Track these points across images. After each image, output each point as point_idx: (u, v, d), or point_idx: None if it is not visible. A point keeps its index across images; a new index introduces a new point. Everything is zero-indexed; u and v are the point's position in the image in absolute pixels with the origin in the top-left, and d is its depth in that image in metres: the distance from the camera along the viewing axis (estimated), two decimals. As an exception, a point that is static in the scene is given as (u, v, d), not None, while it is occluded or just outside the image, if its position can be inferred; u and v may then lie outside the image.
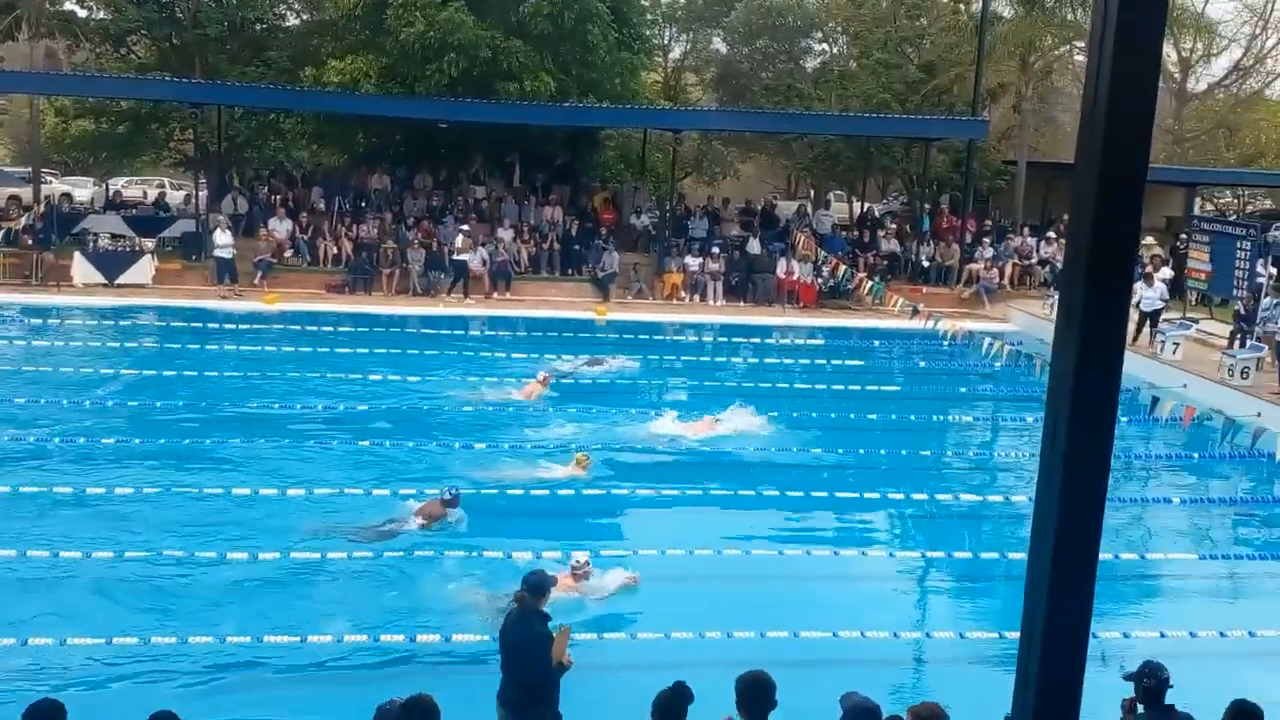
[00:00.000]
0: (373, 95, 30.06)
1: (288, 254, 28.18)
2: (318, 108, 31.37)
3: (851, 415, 19.04)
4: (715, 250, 28.97)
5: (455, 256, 27.51)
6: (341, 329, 23.45)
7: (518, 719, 7.46)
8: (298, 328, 23.34)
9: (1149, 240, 31.98)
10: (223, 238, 26.61)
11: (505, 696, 7.49)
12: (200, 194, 30.78)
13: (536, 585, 7.75)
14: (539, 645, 7.45)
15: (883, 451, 16.80)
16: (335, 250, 28.12)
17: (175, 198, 37.43)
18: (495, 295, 27.39)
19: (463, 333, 24.18)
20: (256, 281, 26.70)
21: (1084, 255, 2.39)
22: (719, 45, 41.23)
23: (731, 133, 36.79)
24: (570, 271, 29.00)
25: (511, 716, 7.46)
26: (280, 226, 28.39)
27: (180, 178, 40.62)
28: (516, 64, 29.05)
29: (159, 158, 38.80)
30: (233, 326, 23.58)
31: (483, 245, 27.86)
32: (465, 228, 28.19)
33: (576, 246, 29.37)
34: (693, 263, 28.67)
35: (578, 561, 10.90)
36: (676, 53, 43.75)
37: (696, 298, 28.35)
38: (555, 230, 29.70)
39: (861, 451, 16.73)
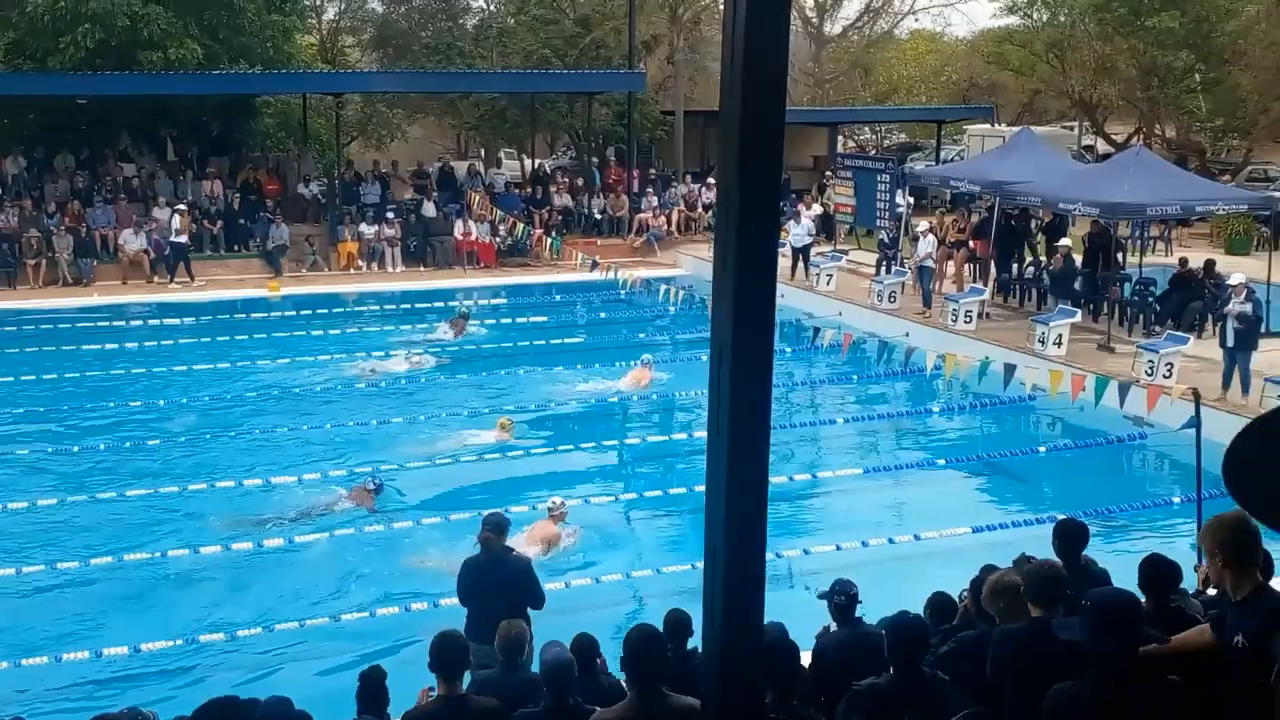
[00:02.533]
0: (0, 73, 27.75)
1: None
2: (-66, 89, 28.64)
3: (539, 370, 19.47)
4: (390, 216, 28.60)
5: (174, 239, 26.13)
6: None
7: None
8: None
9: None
10: None
11: (484, 633, 7.07)
12: None
13: (499, 524, 8.24)
14: (531, 573, 7.99)
15: (573, 404, 17.31)
16: (-30, 243, 25.88)
17: None
18: (161, 278, 26.06)
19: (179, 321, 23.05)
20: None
21: (734, 200, 2.55)
22: (375, 5, 40.45)
23: (396, 94, 36.24)
24: (237, 248, 27.89)
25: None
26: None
27: None
28: (158, 31, 27.49)
29: None
30: None
31: (142, 227, 26.40)
32: (181, 206, 26.76)
33: (242, 221, 28.26)
34: (367, 230, 28.20)
35: (554, 503, 11.66)
36: (331, 14, 42.55)
37: (375, 265, 27.95)
38: (216, 205, 28.47)
39: (554, 405, 17.16)
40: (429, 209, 29.52)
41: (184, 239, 26.26)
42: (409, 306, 24.55)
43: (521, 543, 10.67)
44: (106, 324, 22.58)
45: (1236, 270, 18.56)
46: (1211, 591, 5.90)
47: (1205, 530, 4.51)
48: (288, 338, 21.43)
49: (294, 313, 23.51)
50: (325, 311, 23.82)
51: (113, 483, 13.87)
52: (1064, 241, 21.64)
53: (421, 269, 28.15)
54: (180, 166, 30.49)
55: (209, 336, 21.62)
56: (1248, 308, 16.03)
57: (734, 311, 2.61)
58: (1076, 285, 21.54)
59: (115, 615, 10.65)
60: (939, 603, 6.91)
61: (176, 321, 22.89)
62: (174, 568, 11.52)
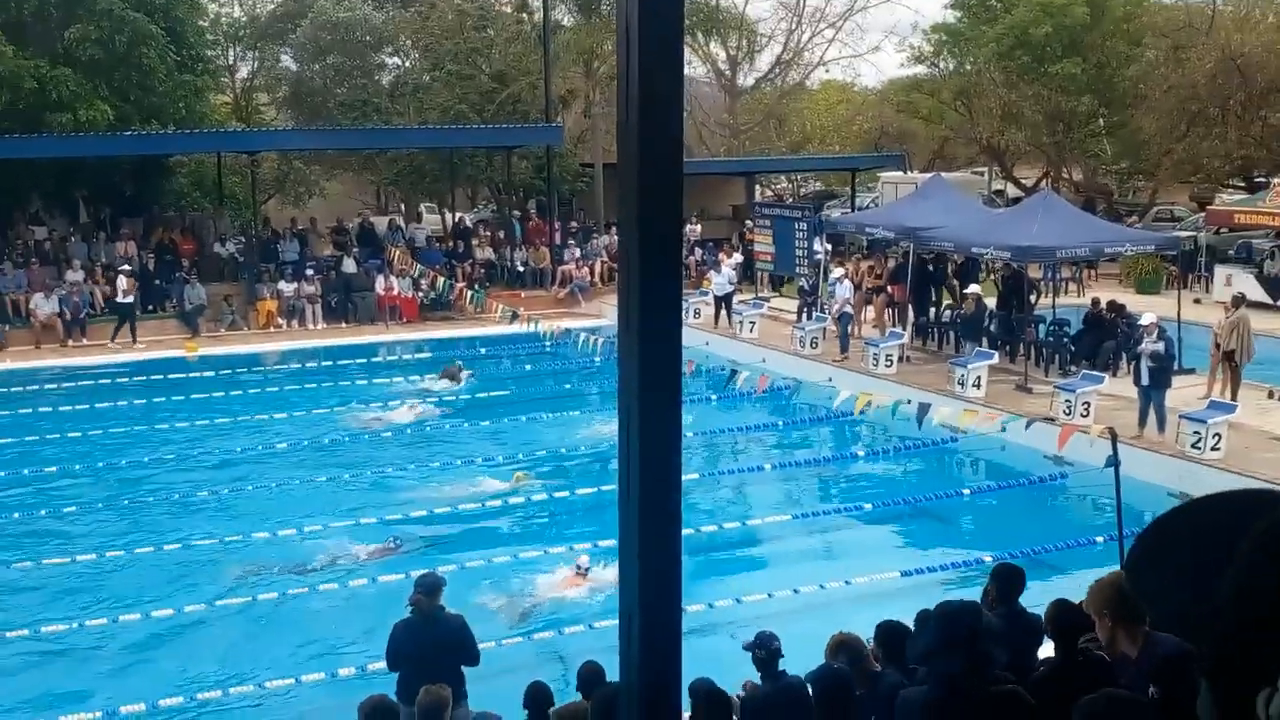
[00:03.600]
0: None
1: None
2: None
3: (465, 425, 19.38)
4: (309, 273, 28.35)
5: (120, 299, 25.74)
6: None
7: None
8: None
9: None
10: None
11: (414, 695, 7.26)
12: None
13: (432, 585, 8.24)
14: (466, 630, 8.07)
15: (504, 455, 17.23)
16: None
17: None
18: (75, 341, 25.55)
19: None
20: None
21: (634, 253, 2.57)
22: (289, 63, 40.19)
23: (312, 151, 36.06)
24: (153, 308, 27.42)
25: None
26: None
27: None
28: (67, 93, 27.13)
29: None
30: None
31: (54, 290, 25.89)
32: (126, 267, 26.29)
33: (157, 281, 27.82)
34: (287, 288, 27.93)
35: (581, 563, 12.26)
36: (244, 72, 42.26)
37: (295, 323, 27.65)
38: (131, 266, 28.00)
39: (480, 461, 17.06)
40: (349, 265, 29.32)
41: (130, 299, 25.86)
42: (331, 363, 24.27)
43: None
44: (20, 389, 22.04)
45: (1148, 310, 19.07)
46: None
47: (1089, 594, 4.62)
48: (206, 399, 21.07)
49: (212, 372, 23.15)
50: (244, 370, 23.51)
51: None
52: (973, 288, 22.10)
53: (343, 325, 27.91)
54: (93, 228, 29.99)
55: (132, 399, 21.19)
56: (1160, 346, 16.45)
57: (640, 371, 2.63)
58: (992, 327, 21.99)
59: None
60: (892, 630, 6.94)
61: (92, 384, 22.40)
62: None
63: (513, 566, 12.95)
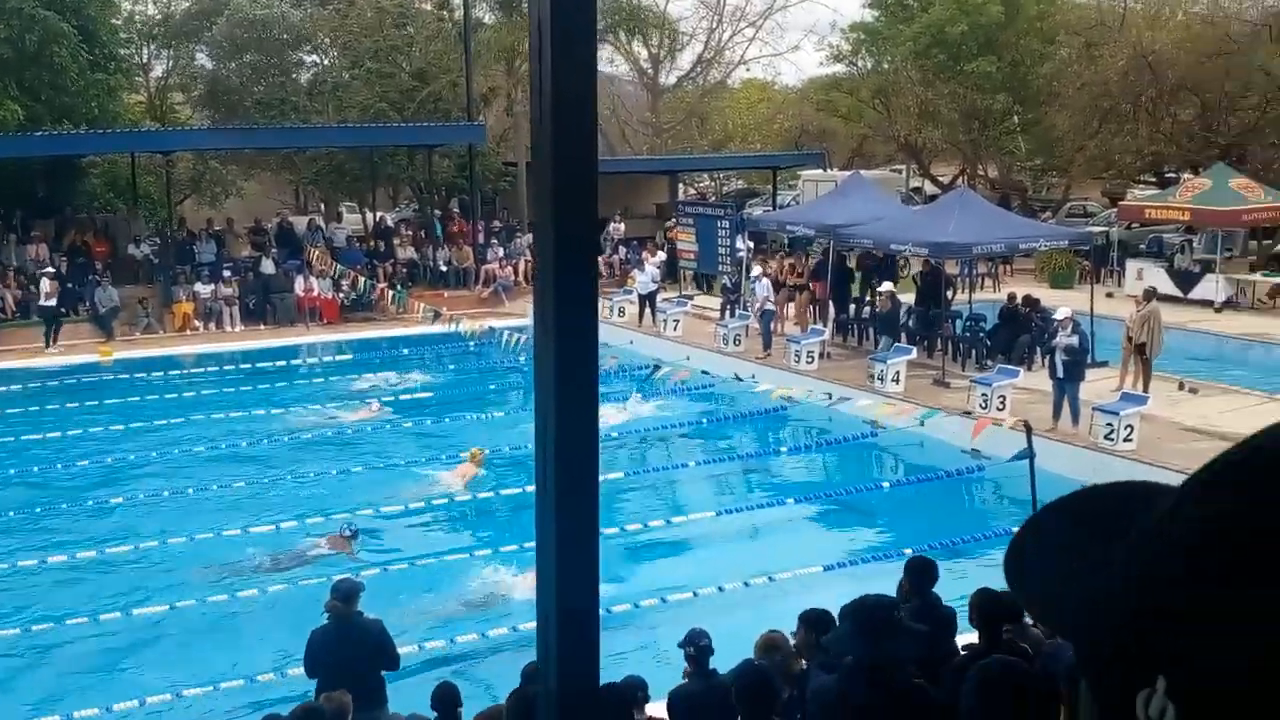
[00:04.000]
0: None
1: None
2: None
3: (388, 427, 19.24)
4: (226, 274, 27.92)
5: (43, 302, 25.23)
6: None
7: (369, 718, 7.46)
8: None
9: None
10: None
11: None
12: None
13: (349, 592, 8.17)
14: (385, 634, 8.04)
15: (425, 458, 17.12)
16: None
17: None
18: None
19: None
20: None
21: (549, 252, 2.58)
22: (205, 61, 39.51)
23: (229, 151, 35.51)
24: (66, 312, 26.81)
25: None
26: None
27: None
28: (-26, 93, 26.51)
29: None
30: None
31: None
32: (49, 270, 25.63)
33: (70, 284, 27.21)
34: (204, 289, 27.48)
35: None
36: (159, 71, 41.47)
37: (212, 325, 27.22)
38: (43, 269, 27.37)
39: (402, 463, 16.94)
40: (268, 266, 28.93)
41: (53, 303, 25.33)
42: (250, 366, 23.92)
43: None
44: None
45: (1062, 304, 19.46)
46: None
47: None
48: (121, 403, 20.67)
49: (127, 376, 22.71)
50: (161, 374, 23.12)
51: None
52: (886, 286, 22.41)
53: (262, 327, 27.51)
54: (3, 231, 29.26)
55: (44, 404, 20.74)
56: (1074, 340, 16.79)
57: (556, 368, 2.63)
58: (910, 323, 22.30)
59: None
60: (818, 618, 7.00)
61: (3, 389, 21.85)
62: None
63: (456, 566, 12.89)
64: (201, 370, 24.13)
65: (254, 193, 38.23)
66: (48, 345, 25.15)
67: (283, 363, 24.16)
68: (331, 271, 28.19)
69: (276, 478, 16.40)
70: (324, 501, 15.17)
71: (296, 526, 14.18)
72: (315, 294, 28.10)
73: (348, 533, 13.53)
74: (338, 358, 25.21)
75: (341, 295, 28.29)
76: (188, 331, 26.86)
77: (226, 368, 24.04)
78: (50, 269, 26.21)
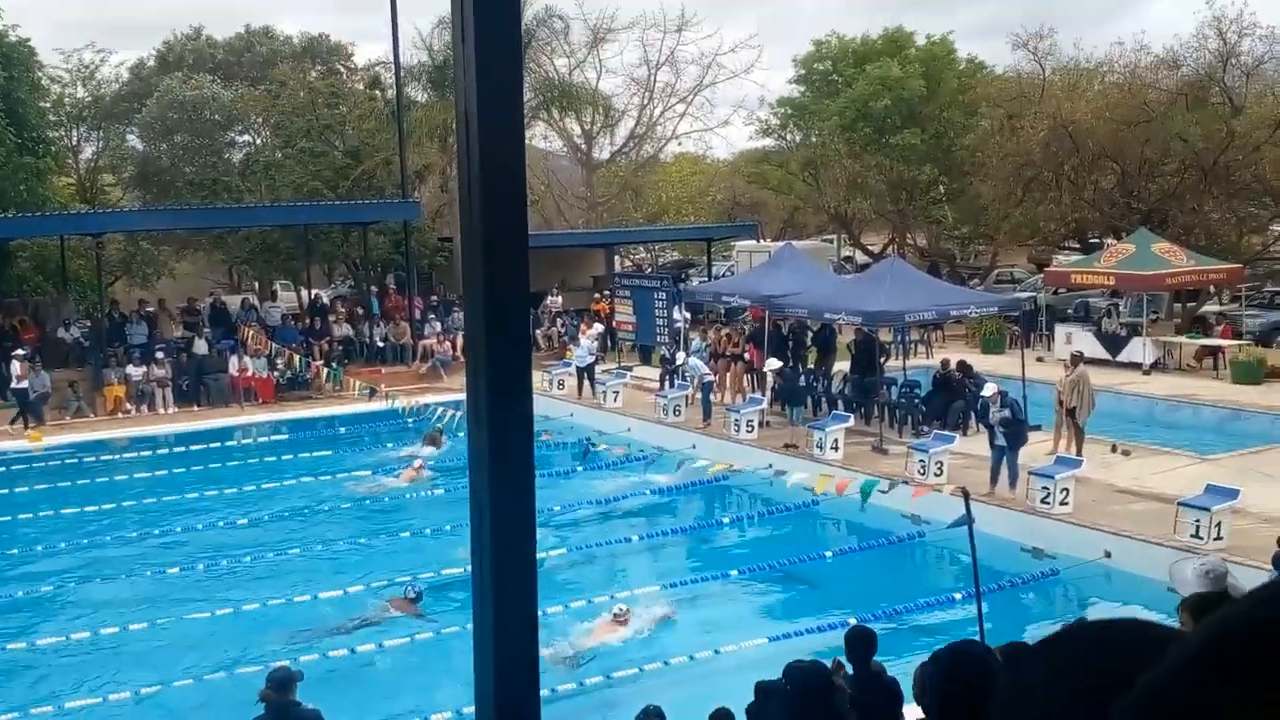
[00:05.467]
0: None
1: None
2: None
3: (325, 508, 19.00)
4: (159, 355, 27.57)
5: (15, 385, 24.78)
6: None
7: None
8: None
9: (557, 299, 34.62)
10: None
11: None
12: None
13: (283, 680, 8.11)
14: None
15: (362, 539, 16.91)
16: None
17: None
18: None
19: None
20: None
21: (481, 327, 2.59)
22: (135, 143, 39.30)
23: (161, 231, 35.22)
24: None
25: None
26: None
27: None
28: (-101, 177, 26.14)
29: None
30: None
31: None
32: (20, 351, 25.29)
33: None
34: (135, 371, 27.08)
35: (620, 609, 12.99)
36: (89, 153, 41.19)
37: (144, 408, 26.80)
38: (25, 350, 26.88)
39: (346, 542, 16.71)
40: (201, 346, 28.62)
41: (25, 385, 24.91)
42: (183, 449, 23.54)
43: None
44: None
45: (993, 369, 19.80)
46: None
47: None
48: (50, 489, 20.23)
49: (58, 461, 22.25)
50: (91, 458, 22.67)
51: None
52: (771, 363, 22.55)
53: (195, 408, 27.13)
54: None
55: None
56: (1006, 413, 17.05)
57: (490, 448, 2.64)
58: (846, 390, 22.54)
59: None
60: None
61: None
62: None
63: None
64: (134, 454, 23.71)
65: (187, 273, 37.94)
66: (27, 428, 24.67)
67: (216, 444, 23.77)
68: (266, 350, 27.95)
69: (333, 542, 16.87)
70: (385, 565, 15.47)
71: (363, 590, 14.45)
72: (250, 373, 27.81)
73: (412, 594, 13.86)
74: (273, 437, 24.88)
75: (277, 374, 28.02)
76: (119, 414, 26.42)
77: (159, 450, 23.60)
78: (21, 350, 25.85)
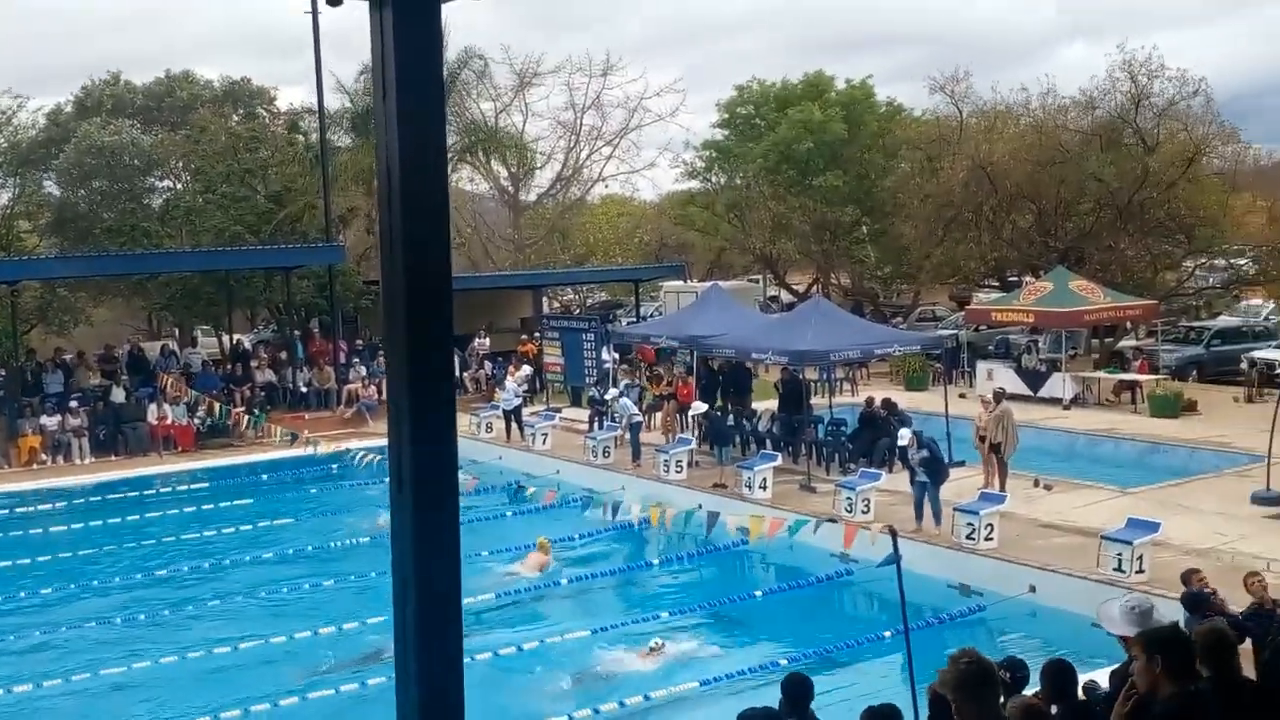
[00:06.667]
0: None
1: None
2: None
3: (247, 557, 18.61)
4: (74, 404, 26.93)
5: None
6: None
7: None
8: None
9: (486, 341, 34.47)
10: None
11: None
12: None
13: None
14: None
15: (302, 586, 16.60)
16: None
17: None
18: None
19: None
20: None
21: (403, 374, 2.53)
22: (52, 189, 38.55)
23: (78, 278, 34.53)
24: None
25: None
26: None
27: None
28: None
29: None
30: None
31: None
32: None
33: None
34: (50, 421, 26.42)
35: (656, 643, 13.39)
36: (4, 199, 40.30)
37: (60, 458, 26.14)
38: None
39: (267, 592, 16.36)
40: (118, 394, 28.02)
41: None
42: (100, 499, 22.96)
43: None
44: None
45: (918, 406, 20.01)
46: None
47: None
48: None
49: None
50: (5, 511, 22.02)
51: None
52: (698, 407, 22.70)
53: (113, 458, 26.51)
54: None
55: None
56: (924, 454, 17.23)
57: (414, 495, 2.58)
58: (774, 429, 22.63)
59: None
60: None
61: None
62: None
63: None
64: (48, 507, 23.08)
65: (105, 319, 37.26)
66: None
67: (134, 493, 23.23)
68: (186, 398, 27.45)
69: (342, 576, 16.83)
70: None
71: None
72: (169, 421, 27.26)
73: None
74: (192, 486, 24.35)
75: (197, 421, 27.50)
76: (34, 465, 25.74)
77: (76, 502, 23.00)
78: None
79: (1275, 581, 11.75)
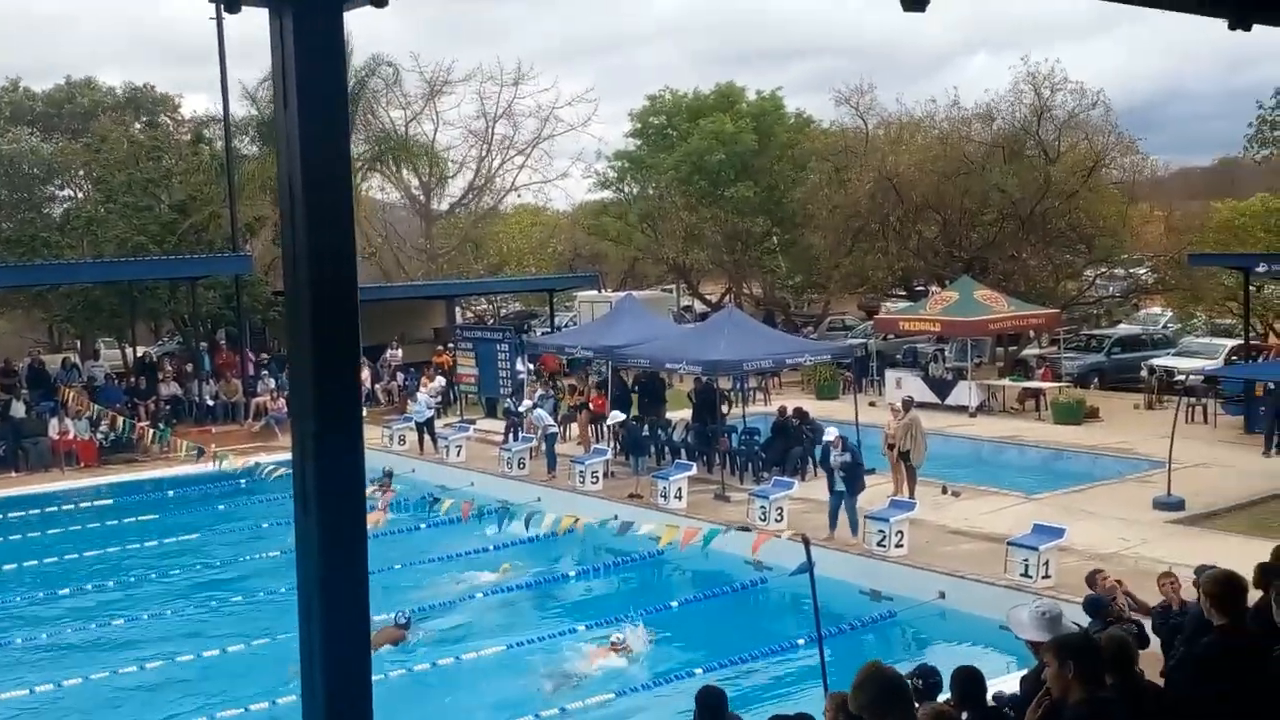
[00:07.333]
0: None
1: None
2: None
3: (153, 574, 18.22)
4: (-30, 420, 26.15)
5: None
6: None
7: None
8: None
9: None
10: None
11: None
12: None
13: None
14: None
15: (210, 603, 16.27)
16: None
17: None
18: None
19: None
20: None
21: (309, 392, 2.50)
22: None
23: (-26, 290, 33.58)
24: None
25: None
26: None
27: None
28: None
29: None
30: None
31: None
32: None
33: None
34: (-55, 438, 25.62)
35: (618, 639, 13.51)
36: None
37: (-45, 476, 25.35)
38: None
39: (173, 611, 16.02)
40: (18, 408, 27.24)
41: None
42: (2, 516, 22.30)
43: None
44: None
45: (829, 415, 20.23)
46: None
47: None
48: None
49: None
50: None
51: None
52: (615, 416, 22.93)
53: (13, 474, 25.75)
54: None
55: None
56: (847, 457, 17.44)
57: (319, 512, 2.55)
58: (688, 439, 22.74)
59: None
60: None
61: None
62: None
63: None
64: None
65: (3, 332, 36.24)
66: None
67: (37, 511, 22.59)
68: (89, 412, 26.78)
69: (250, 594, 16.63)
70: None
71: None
72: (71, 436, 26.57)
73: (403, 620, 14.04)
74: (96, 503, 23.76)
75: (100, 436, 26.83)
76: (-72, 483, 24.92)
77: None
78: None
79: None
